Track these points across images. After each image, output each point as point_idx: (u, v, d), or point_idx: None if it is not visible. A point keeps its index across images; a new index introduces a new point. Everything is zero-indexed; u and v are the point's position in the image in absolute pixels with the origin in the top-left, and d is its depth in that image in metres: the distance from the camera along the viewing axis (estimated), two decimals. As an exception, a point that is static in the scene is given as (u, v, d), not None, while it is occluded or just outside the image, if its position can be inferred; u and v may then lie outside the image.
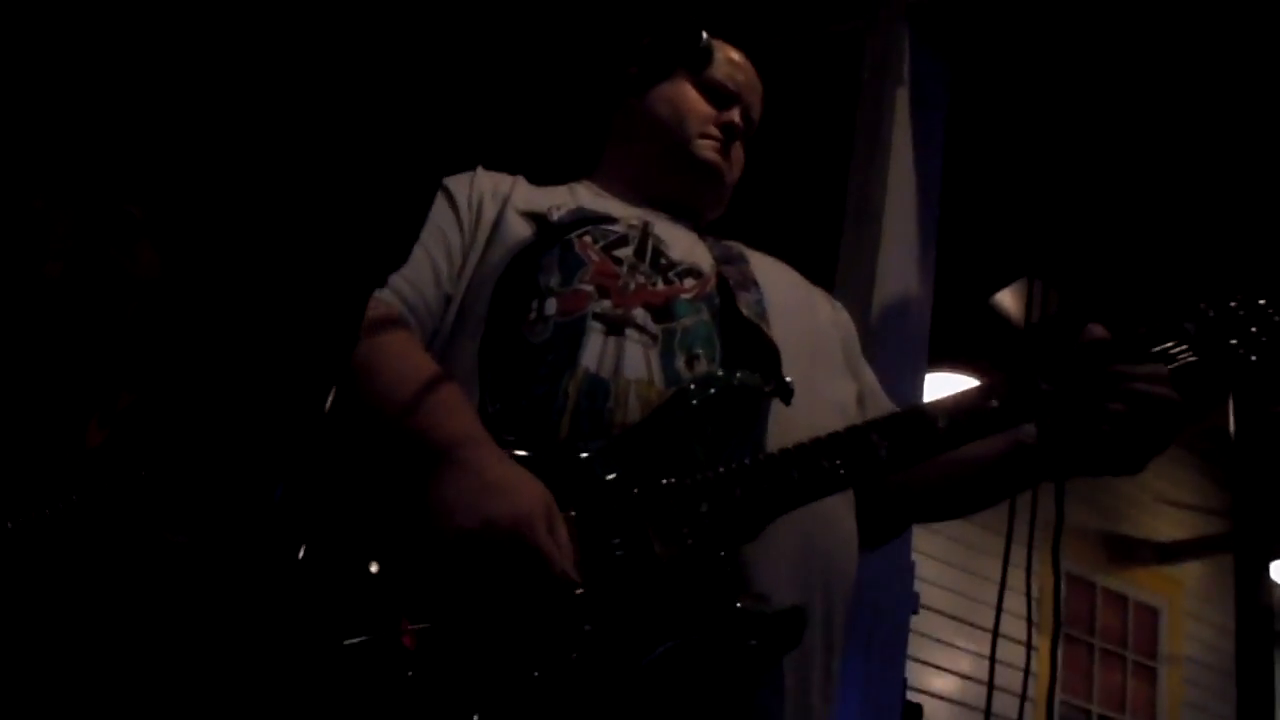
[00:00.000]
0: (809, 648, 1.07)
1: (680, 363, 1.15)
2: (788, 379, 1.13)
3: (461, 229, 1.27)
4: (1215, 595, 5.69)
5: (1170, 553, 5.59)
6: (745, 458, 1.07)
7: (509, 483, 1.01)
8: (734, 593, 1.01)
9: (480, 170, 1.36)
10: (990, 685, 3.15)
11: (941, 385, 4.01)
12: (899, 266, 2.36)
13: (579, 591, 0.97)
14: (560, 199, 1.33)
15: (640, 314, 1.18)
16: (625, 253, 1.25)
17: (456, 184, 1.32)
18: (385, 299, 1.18)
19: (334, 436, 1.17)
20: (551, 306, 1.18)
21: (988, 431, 1.11)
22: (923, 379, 2.33)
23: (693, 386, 1.10)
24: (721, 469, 1.06)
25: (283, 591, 1.02)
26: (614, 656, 0.98)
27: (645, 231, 1.29)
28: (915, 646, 4.41)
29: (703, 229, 1.40)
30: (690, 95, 1.40)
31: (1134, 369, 1.09)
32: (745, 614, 1.00)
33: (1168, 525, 5.63)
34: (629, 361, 1.14)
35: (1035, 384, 1.10)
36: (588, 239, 1.25)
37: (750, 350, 1.19)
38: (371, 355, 1.10)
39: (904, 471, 1.17)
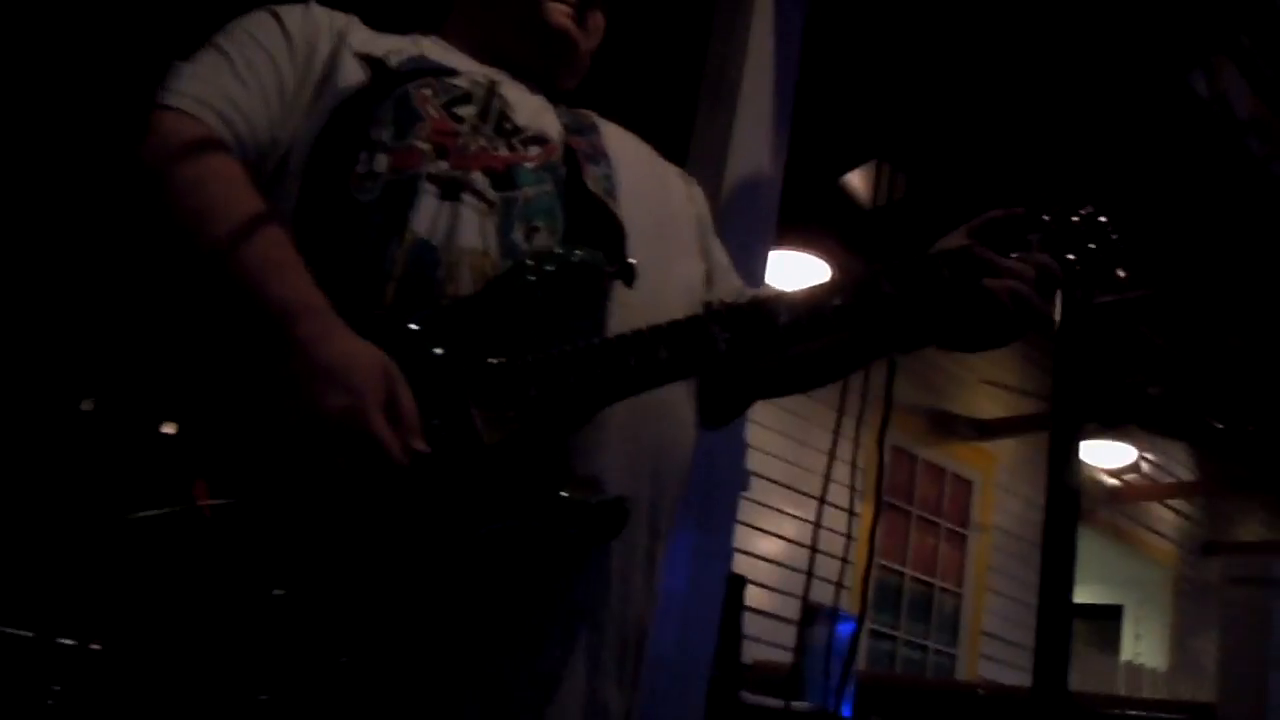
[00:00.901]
0: (633, 535, 1.07)
1: (518, 234, 1.09)
2: (631, 260, 1.09)
3: (294, 62, 1.15)
4: (1026, 471, 6.09)
5: (988, 429, 5.92)
6: (581, 340, 1.04)
7: (341, 363, 0.93)
8: (558, 480, 1.00)
9: (314, 3, 1.24)
10: (813, 549, 3.31)
11: (787, 262, 4.08)
12: (752, 144, 2.34)
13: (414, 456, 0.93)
14: (401, 46, 1.23)
15: (479, 178, 1.10)
16: (467, 111, 1.16)
17: (288, 12, 1.19)
18: (209, 121, 1.06)
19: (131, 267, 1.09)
20: (382, 163, 1.08)
21: (828, 332, 1.11)
22: (767, 256, 2.35)
23: (530, 261, 1.04)
24: (555, 351, 1.02)
25: (65, 455, 0.96)
26: (432, 538, 0.96)
27: (491, 91, 1.20)
28: (743, 511, 4.59)
29: (555, 97, 1.32)
30: None
31: (1002, 261, 1.10)
32: (567, 503, 0.99)
33: (988, 404, 5.95)
34: (464, 229, 1.07)
35: (879, 286, 1.10)
36: (427, 91, 1.15)
37: (595, 226, 1.14)
38: (189, 181, 1.00)
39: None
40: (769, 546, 5.04)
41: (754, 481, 4.84)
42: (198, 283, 1.01)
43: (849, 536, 3.15)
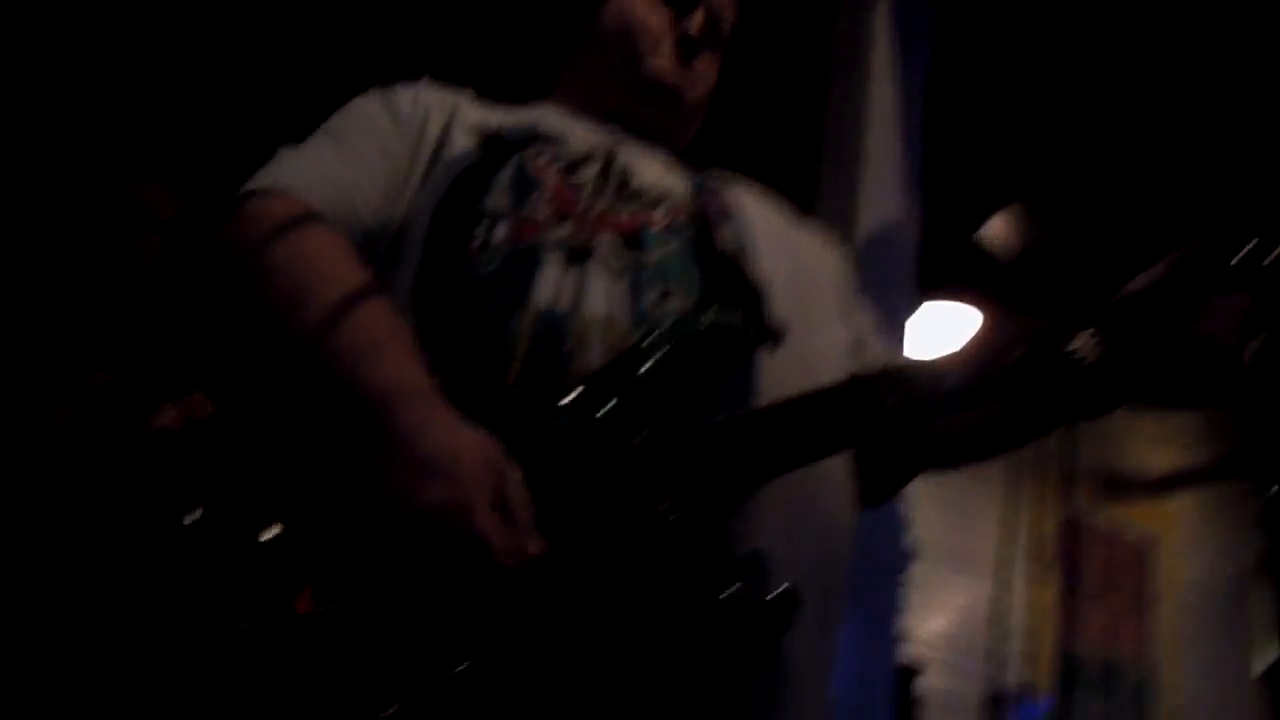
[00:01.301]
0: (803, 628, 0.92)
1: (651, 299, 0.98)
2: (774, 322, 0.96)
3: (404, 140, 1.08)
4: (1210, 528, 5.63)
5: (1164, 484, 5.52)
6: (729, 411, 0.91)
7: (444, 455, 0.82)
8: (717, 577, 0.85)
9: (426, 81, 1.18)
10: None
11: (935, 314, 3.86)
12: (880, 200, 2.21)
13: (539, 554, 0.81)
14: (514, 117, 1.16)
15: (605, 240, 1.00)
16: (588, 174, 1.07)
17: (399, 91, 1.14)
18: (309, 198, 0.99)
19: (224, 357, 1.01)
20: (500, 233, 0.99)
21: (1007, 392, 0.95)
22: (907, 315, 2.19)
23: (662, 329, 0.93)
24: (702, 425, 0.90)
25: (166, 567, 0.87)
26: (570, 655, 0.82)
27: (611, 153, 1.11)
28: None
29: (677, 155, 1.23)
30: (641, 4, 1.21)
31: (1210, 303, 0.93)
32: (731, 604, 0.84)
33: (1161, 456, 5.55)
34: (591, 297, 0.96)
35: (1065, 337, 0.93)
36: (543, 159, 1.07)
37: (732, 288, 1.01)
38: (283, 259, 0.91)
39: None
40: (936, 625, 4.75)
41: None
42: (293, 370, 0.92)
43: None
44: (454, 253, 0.98)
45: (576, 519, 0.84)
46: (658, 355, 0.91)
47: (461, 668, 0.79)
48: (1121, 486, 5.42)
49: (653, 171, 1.14)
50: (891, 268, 2.05)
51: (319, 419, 0.90)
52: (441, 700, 0.79)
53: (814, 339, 1.06)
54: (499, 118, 1.15)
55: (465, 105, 1.17)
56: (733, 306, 0.97)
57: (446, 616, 0.81)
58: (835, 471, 1.02)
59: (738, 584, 0.84)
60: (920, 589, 4.61)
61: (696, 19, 1.20)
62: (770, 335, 0.96)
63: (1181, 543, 5.62)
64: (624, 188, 1.08)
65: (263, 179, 1.01)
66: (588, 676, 0.83)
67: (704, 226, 1.06)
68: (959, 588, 4.77)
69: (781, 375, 0.97)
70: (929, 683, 4.28)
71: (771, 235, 1.13)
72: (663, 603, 0.83)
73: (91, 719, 0.93)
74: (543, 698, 0.82)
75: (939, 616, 4.74)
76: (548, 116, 1.18)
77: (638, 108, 1.21)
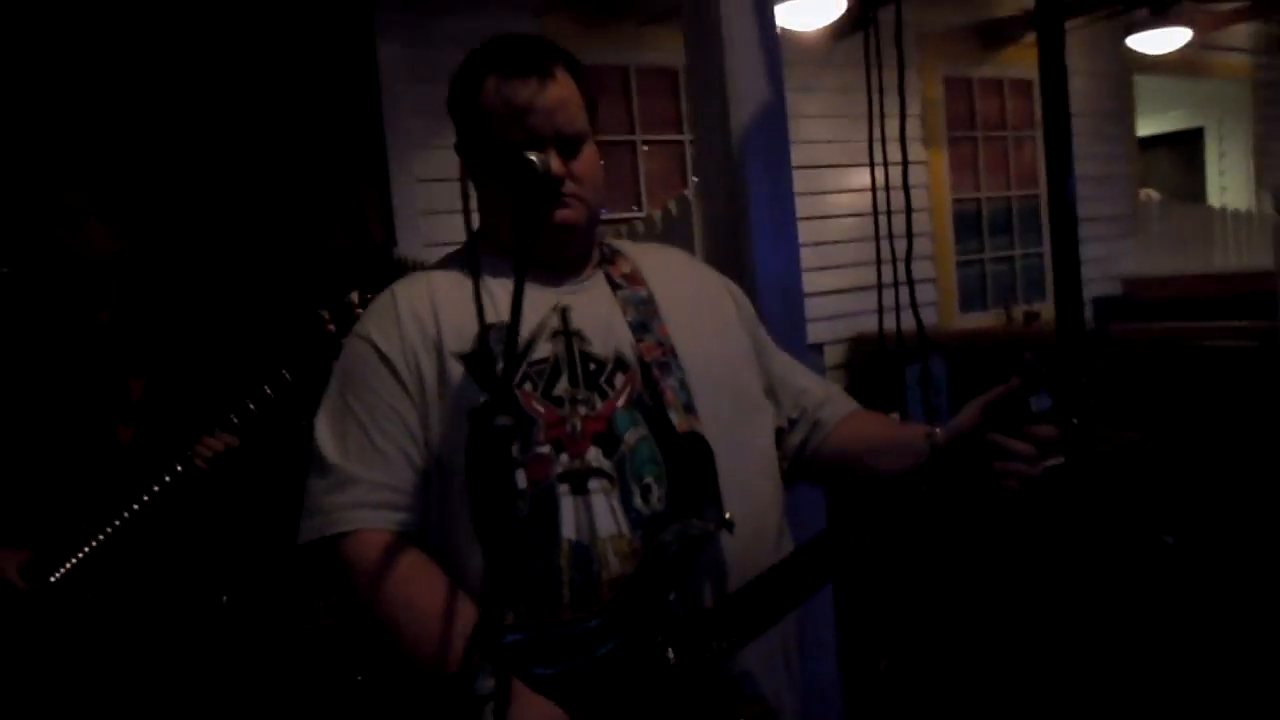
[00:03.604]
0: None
1: (638, 501, 1.33)
2: (728, 514, 1.33)
3: (411, 398, 1.35)
4: (1081, 51, 5.96)
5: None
6: (706, 575, 1.32)
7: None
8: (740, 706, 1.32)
9: (401, 309, 1.40)
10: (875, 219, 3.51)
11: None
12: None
13: None
14: (492, 313, 1.37)
15: (594, 455, 1.32)
16: (562, 387, 1.34)
17: (387, 344, 1.38)
18: (382, 524, 1.32)
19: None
20: (521, 479, 1.31)
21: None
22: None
23: (660, 545, 1.30)
24: (719, 613, 1.30)
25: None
26: None
27: (568, 343, 1.37)
28: (809, 207, 4.72)
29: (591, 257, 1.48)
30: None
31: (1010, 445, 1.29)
32: None
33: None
34: (599, 519, 1.30)
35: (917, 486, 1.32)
36: (527, 387, 1.34)
37: (691, 464, 1.36)
38: (393, 599, 1.28)
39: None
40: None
41: (816, 175, 4.99)
42: (429, 670, 1.28)
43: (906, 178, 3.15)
44: (495, 502, 1.25)
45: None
46: (665, 565, 1.29)
47: None
48: (998, 33, 5.66)
49: (600, 330, 1.39)
50: (770, 142, 2.23)
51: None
52: None
53: (749, 450, 1.43)
54: (466, 321, 1.34)
55: (444, 326, 1.37)
56: (695, 485, 1.34)
57: None
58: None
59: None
60: (831, 179, 5.08)
61: (553, 158, 1.34)
62: (730, 525, 1.32)
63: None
64: (588, 373, 1.37)
65: (344, 515, 1.31)
66: None
67: (655, 394, 1.37)
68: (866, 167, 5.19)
69: (729, 486, 1.36)
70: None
71: (697, 345, 1.43)
72: None
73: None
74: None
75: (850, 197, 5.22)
76: (496, 287, 1.38)
77: (550, 254, 1.42)
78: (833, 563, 1.32)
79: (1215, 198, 7.89)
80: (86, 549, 2.22)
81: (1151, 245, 6.28)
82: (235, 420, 2.29)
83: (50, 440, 2.31)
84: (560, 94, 1.36)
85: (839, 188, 5.16)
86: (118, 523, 2.24)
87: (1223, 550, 3.34)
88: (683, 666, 1.28)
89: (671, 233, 3.92)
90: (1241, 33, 6.82)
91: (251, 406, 2.29)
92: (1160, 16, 4.84)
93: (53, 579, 2.20)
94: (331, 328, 2.25)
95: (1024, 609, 2.98)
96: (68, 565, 2.21)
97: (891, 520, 1.30)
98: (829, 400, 1.60)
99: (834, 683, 2.26)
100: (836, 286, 4.93)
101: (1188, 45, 5.29)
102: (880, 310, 2.36)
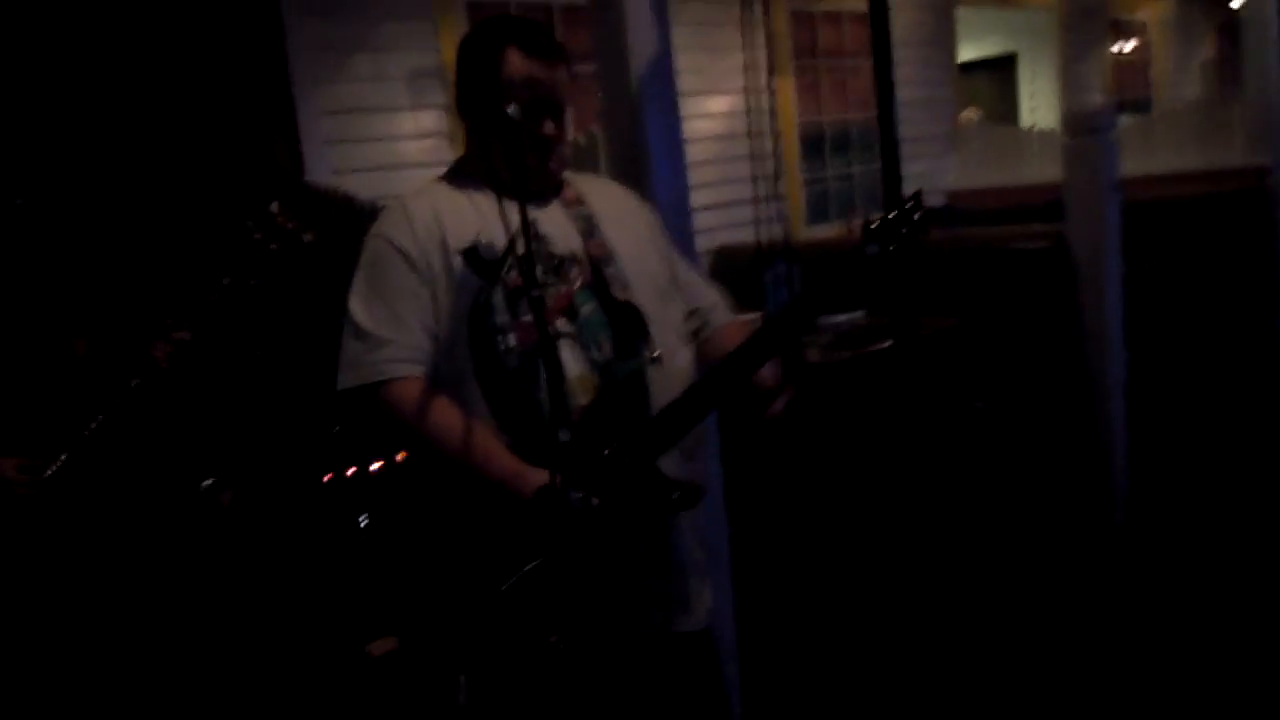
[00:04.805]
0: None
1: (594, 351, 1.83)
2: (657, 352, 1.85)
3: (424, 282, 1.78)
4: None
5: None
6: (651, 405, 1.83)
7: (532, 479, 1.71)
8: (667, 491, 1.77)
9: (414, 215, 1.82)
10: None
11: None
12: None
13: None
14: (481, 222, 1.80)
15: (562, 323, 1.81)
16: (538, 273, 1.75)
17: (403, 241, 1.80)
18: (414, 373, 1.78)
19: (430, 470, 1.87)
20: (511, 340, 1.77)
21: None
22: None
23: (613, 378, 1.81)
24: (652, 424, 1.77)
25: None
26: (614, 531, 1.74)
27: (540, 243, 1.81)
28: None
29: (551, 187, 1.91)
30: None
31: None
32: (680, 499, 1.77)
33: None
34: (569, 364, 1.78)
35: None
36: (513, 275, 1.76)
37: (630, 324, 1.86)
38: (435, 427, 1.75)
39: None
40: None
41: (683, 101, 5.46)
42: (458, 464, 1.77)
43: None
44: (492, 358, 1.75)
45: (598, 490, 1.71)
46: (616, 391, 1.79)
47: (531, 566, 1.78)
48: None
49: (559, 233, 1.85)
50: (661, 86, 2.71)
51: (477, 478, 1.76)
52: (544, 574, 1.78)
53: (669, 322, 1.91)
54: (472, 229, 1.78)
55: (448, 228, 1.79)
56: (634, 340, 1.84)
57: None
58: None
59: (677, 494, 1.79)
60: (692, 105, 5.57)
61: (549, 126, 1.83)
62: (659, 360, 1.84)
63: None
64: (554, 265, 1.82)
65: (385, 368, 1.76)
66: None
67: (601, 279, 1.84)
68: (723, 94, 5.73)
69: (661, 368, 1.85)
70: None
71: (630, 249, 1.90)
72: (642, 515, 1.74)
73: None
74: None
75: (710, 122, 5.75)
76: (486, 205, 1.79)
77: (535, 180, 1.85)
78: (720, 389, 1.81)
79: (1027, 118, 8.78)
80: (74, 448, 2.49)
81: (971, 161, 7.04)
82: (182, 321, 2.58)
83: (10, 356, 2.55)
84: (560, 76, 1.84)
85: (698, 113, 5.68)
86: (99, 420, 2.51)
87: (1023, 412, 4.09)
88: (626, 463, 1.74)
89: (583, 162, 4.48)
90: (1048, -33, 7.56)
91: (197, 306, 2.59)
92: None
93: (48, 473, 2.47)
94: (259, 235, 2.54)
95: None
96: (59, 461, 2.48)
97: (749, 360, 1.81)
98: (716, 307, 2.13)
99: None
100: (700, 204, 5.45)
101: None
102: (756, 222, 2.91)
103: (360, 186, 3.78)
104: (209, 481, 2.97)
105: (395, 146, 4.55)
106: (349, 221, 3.53)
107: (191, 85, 3.96)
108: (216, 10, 4.01)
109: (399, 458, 3.08)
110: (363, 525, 3.05)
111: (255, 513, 3.06)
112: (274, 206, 2.58)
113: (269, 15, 4.21)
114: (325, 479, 3.10)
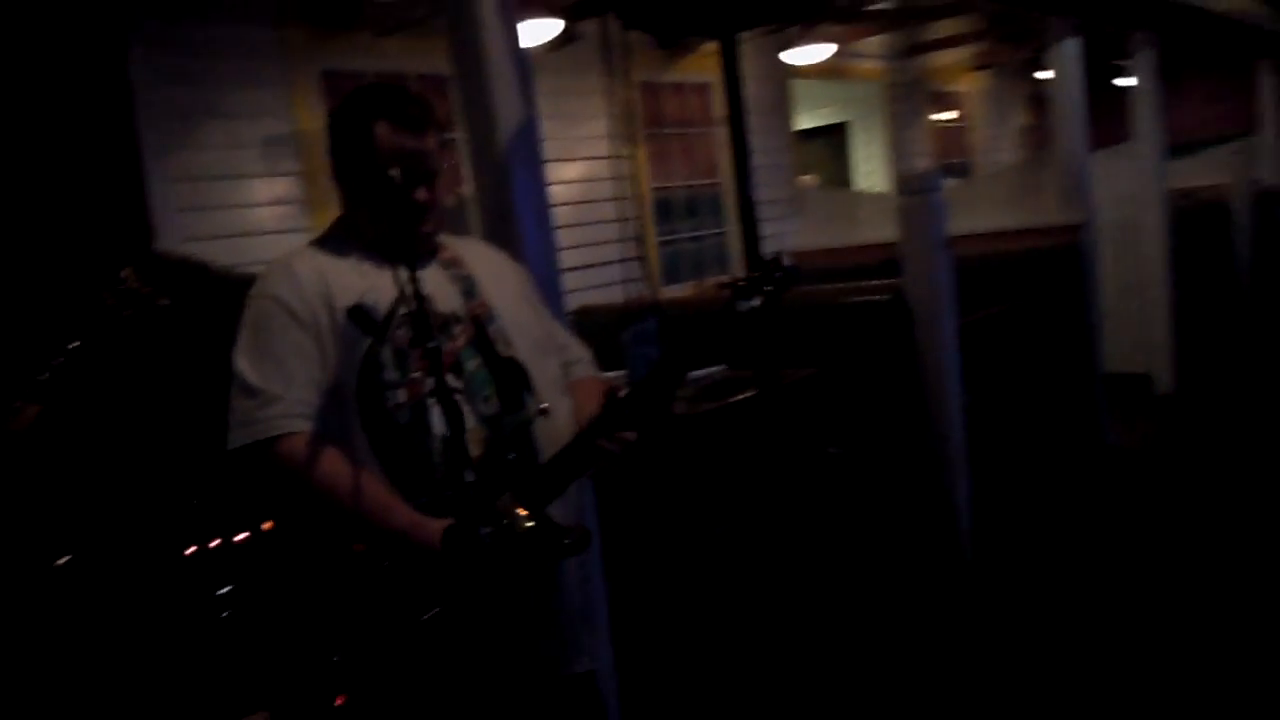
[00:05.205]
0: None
1: (481, 405, 1.90)
2: (543, 405, 1.95)
3: (315, 340, 1.83)
4: (751, 56, 6.93)
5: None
6: (539, 456, 1.92)
7: (431, 531, 1.77)
8: (560, 536, 1.82)
9: (298, 273, 1.87)
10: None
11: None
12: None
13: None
14: (364, 283, 1.88)
15: (450, 379, 1.86)
16: (422, 332, 1.81)
17: (290, 298, 1.84)
18: (305, 428, 1.80)
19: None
20: (401, 396, 1.83)
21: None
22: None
23: (501, 431, 1.89)
24: (544, 470, 1.87)
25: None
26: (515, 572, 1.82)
27: (421, 306, 1.77)
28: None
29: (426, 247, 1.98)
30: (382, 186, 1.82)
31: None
32: (572, 544, 1.83)
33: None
34: (463, 418, 1.82)
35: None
36: (400, 332, 1.84)
37: (514, 380, 1.96)
38: (322, 479, 1.77)
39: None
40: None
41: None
42: (352, 523, 1.79)
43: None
44: (381, 413, 1.81)
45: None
46: (505, 441, 1.88)
47: (430, 614, 1.81)
48: (682, 44, 6.51)
49: (441, 293, 1.92)
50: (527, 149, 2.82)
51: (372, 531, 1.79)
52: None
53: (546, 376, 2.02)
54: (356, 288, 1.85)
55: (334, 286, 1.84)
56: (519, 396, 1.93)
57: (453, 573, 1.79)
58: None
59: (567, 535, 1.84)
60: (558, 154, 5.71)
61: (421, 193, 1.92)
62: (545, 412, 1.94)
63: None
64: (436, 320, 1.86)
65: (275, 423, 1.79)
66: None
67: (483, 336, 1.93)
68: (586, 152, 5.90)
69: (547, 418, 1.95)
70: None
71: (501, 296, 2.01)
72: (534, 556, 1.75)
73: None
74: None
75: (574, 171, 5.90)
76: (367, 269, 1.88)
77: (409, 244, 1.86)
78: (595, 445, 1.87)
79: (860, 181, 9.28)
80: None
81: (811, 223, 7.39)
82: (28, 391, 2.46)
83: None
84: (431, 144, 1.93)
85: (557, 179, 5.82)
86: None
87: (874, 455, 4.30)
88: (525, 508, 1.79)
89: (453, 224, 4.54)
90: (875, 43, 8.08)
91: (46, 376, 2.48)
92: (808, 32, 5.84)
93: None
94: (111, 301, 2.47)
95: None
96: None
97: (617, 421, 1.88)
98: (580, 361, 2.23)
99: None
100: (561, 266, 5.58)
101: (833, 55, 6.36)
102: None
103: (214, 253, 3.73)
104: (64, 559, 2.86)
105: (249, 213, 4.50)
106: (204, 287, 3.50)
107: (34, 154, 3.86)
108: (61, 78, 3.94)
109: (265, 527, 3.03)
110: (223, 595, 2.98)
111: (112, 589, 2.96)
112: (126, 272, 2.55)
113: (117, 83, 4.14)
114: (187, 553, 3.03)
